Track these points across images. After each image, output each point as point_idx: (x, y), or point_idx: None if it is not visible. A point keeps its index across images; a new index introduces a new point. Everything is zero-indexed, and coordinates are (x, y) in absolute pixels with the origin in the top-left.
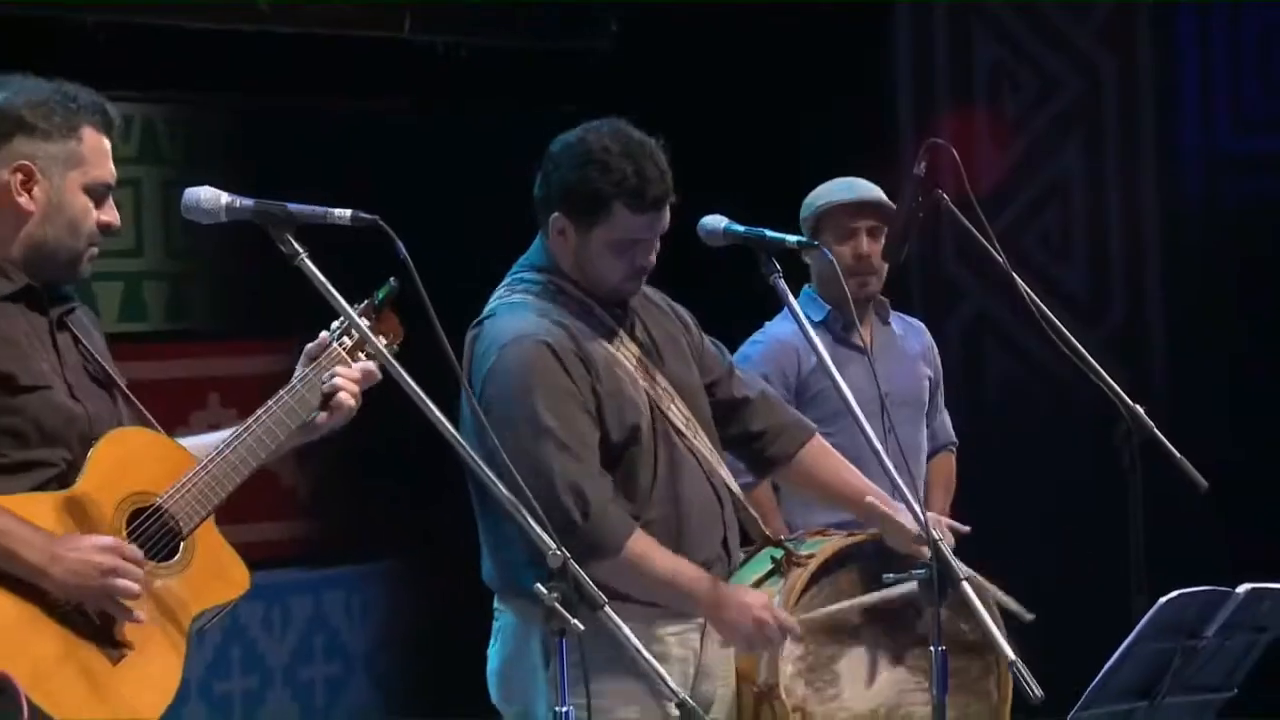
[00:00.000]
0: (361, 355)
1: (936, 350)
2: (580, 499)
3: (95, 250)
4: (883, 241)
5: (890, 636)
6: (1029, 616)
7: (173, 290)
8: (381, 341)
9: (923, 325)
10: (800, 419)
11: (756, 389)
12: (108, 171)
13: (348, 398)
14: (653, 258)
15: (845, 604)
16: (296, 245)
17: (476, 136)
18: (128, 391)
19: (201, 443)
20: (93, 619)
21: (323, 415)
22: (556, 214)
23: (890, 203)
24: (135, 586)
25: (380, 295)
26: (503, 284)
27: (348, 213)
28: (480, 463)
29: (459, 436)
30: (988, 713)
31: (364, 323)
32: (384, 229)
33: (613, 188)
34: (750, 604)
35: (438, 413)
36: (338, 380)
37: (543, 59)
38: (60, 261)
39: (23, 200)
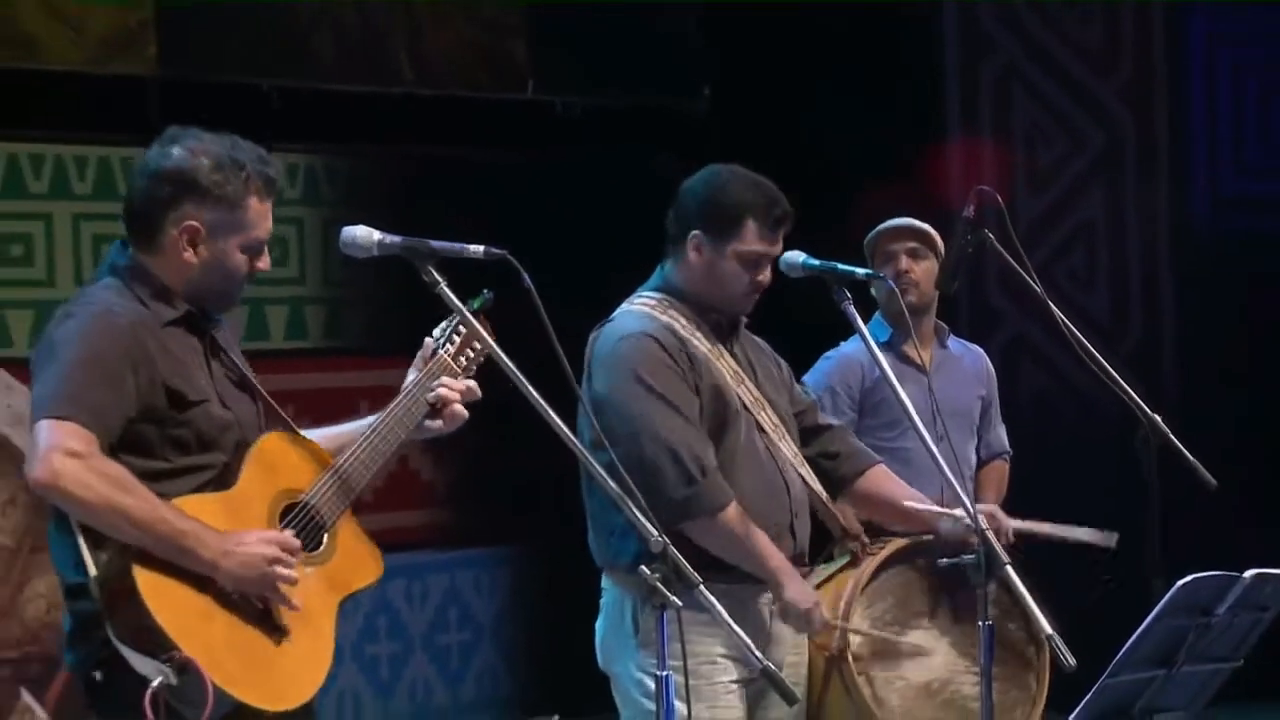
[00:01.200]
0: (464, 358)
1: (993, 372)
2: (697, 460)
3: (243, 290)
4: (923, 262)
5: (948, 623)
6: (1113, 540)
7: (330, 313)
8: (474, 349)
9: (981, 350)
10: (867, 449)
11: (836, 421)
12: (264, 230)
13: (460, 409)
14: (768, 276)
15: (882, 634)
16: (437, 275)
17: (588, 183)
18: (263, 392)
19: (327, 434)
20: (256, 606)
21: (436, 423)
22: (695, 232)
23: (923, 226)
24: (294, 574)
25: (476, 304)
26: (627, 300)
27: (481, 248)
28: (588, 455)
29: (566, 429)
30: (1026, 700)
31: (450, 348)
32: (512, 262)
33: (746, 206)
34: (811, 594)
35: (550, 411)
36: (443, 392)
37: (645, 116)
38: (213, 302)
39: (187, 255)
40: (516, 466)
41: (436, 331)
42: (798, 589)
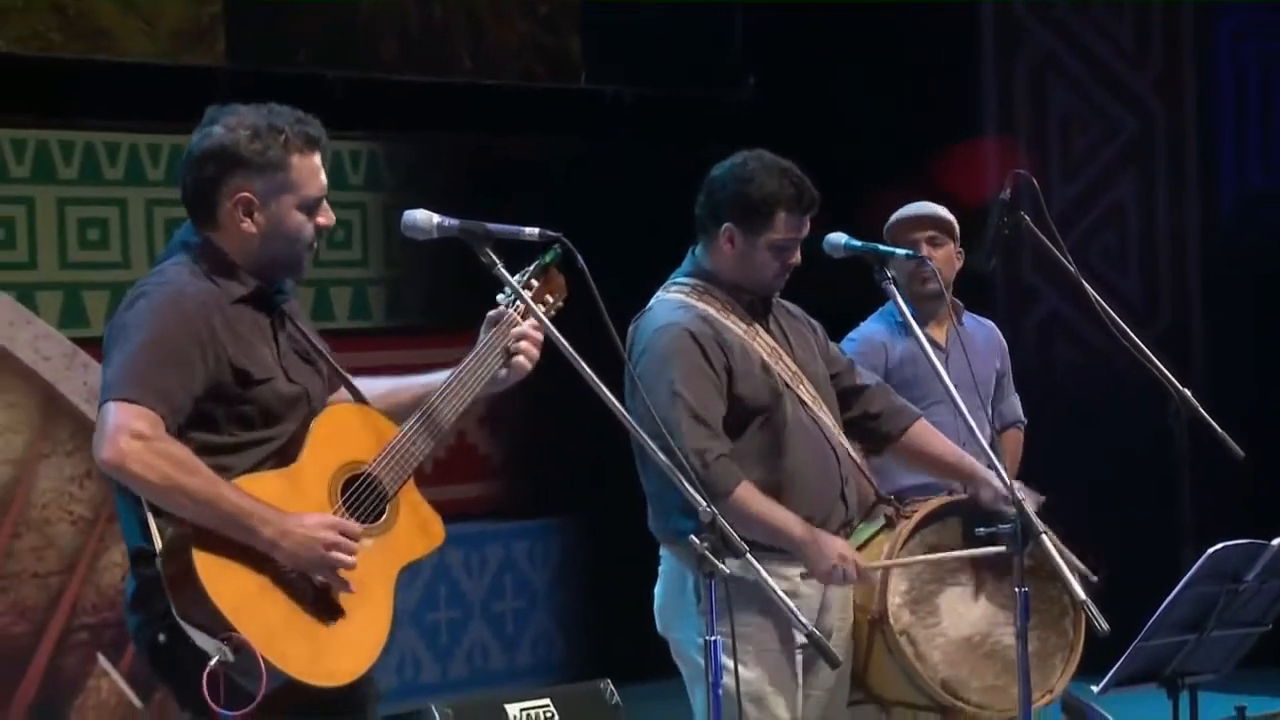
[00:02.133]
0: (541, 306)
1: (1005, 344)
2: (700, 455)
3: (312, 251)
4: (941, 249)
5: (983, 577)
6: (1094, 578)
7: (391, 293)
8: (549, 299)
9: (993, 325)
10: (908, 405)
11: (874, 379)
12: (316, 187)
13: (524, 360)
14: (798, 258)
15: (924, 558)
16: (493, 256)
17: (637, 169)
18: (333, 362)
19: (402, 384)
20: (314, 583)
21: (503, 372)
22: (727, 224)
23: (941, 213)
24: (351, 559)
25: (546, 259)
26: (661, 287)
27: (535, 231)
28: (641, 431)
29: (619, 405)
30: (1064, 646)
31: (528, 293)
32: (566, 244)
33: (776, 198)
34: (834, 545)
35: (603, 385)
36: (523, 344)
37: (692, 105)
38: (283, 268)
39: (245, 225)
40: (569, 441)
41: (507, 289)
42: (820, 549)
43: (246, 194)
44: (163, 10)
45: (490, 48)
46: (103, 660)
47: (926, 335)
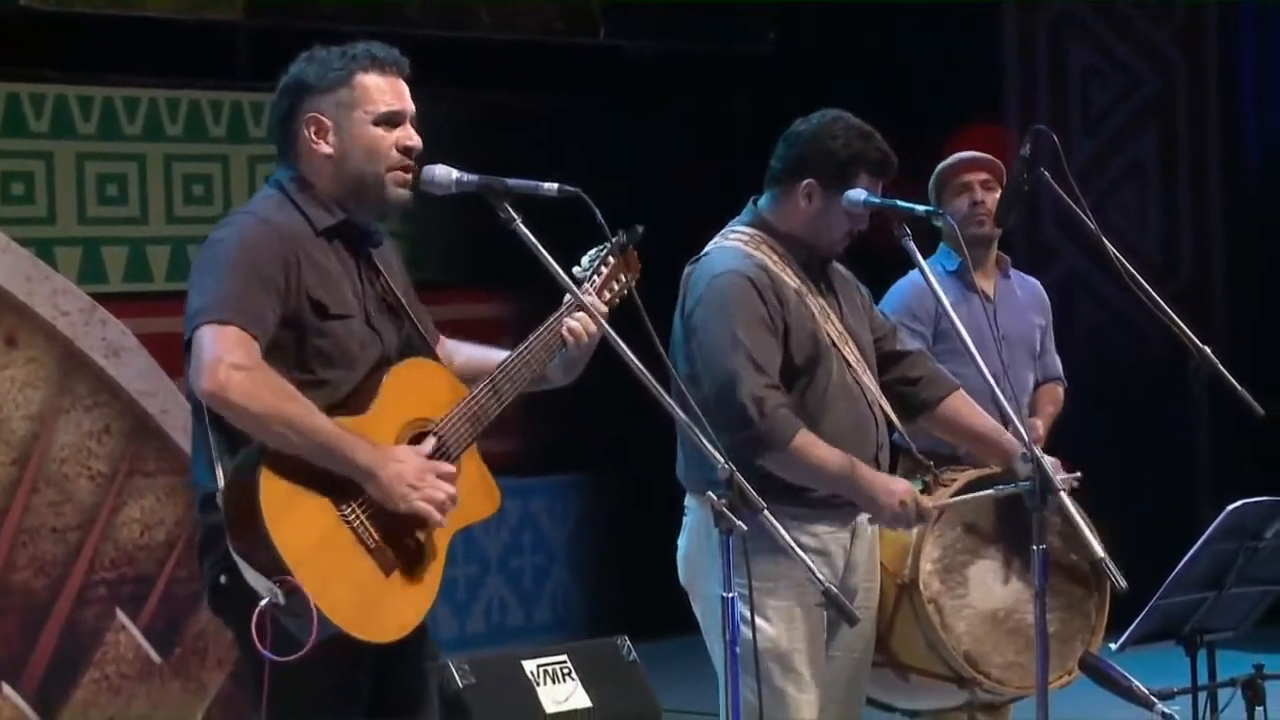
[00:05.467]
0: (608, 291)
1: (1048, 303)
2: (759, 403)
3: (401, 174)
4: (993, 193)
5: (1015, 554)
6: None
7: (411, 249)
8: (622, 279)
9: (1037, 282)
10: (947, 374)
11: (914, 346)
12: (386, 103)
13: (575, 348)
14: (865, 224)
15: (971, 497)
16: (512, 212)
17: (656, 124)
18: (415, 320)
19: (476, 355)
20: (374, 536)
21: (557, 361)
22: (809, 180)
23: (994, 159)
24: (442, 495)
25: (624, 238)
26: (718, 235)
27: (554, 186)
28: (660, 390)
29: (639, 363)
30: (1085, 629)
31: (604, 270)
32: (584, 199)
33: (861, 160)
34: (895, 489)
35: (624, 345)
36: (575, 326)
37: (713, 62)
38: (368, 189)
39: (320, 147)
40: (589, 398)
41: (585, 260)
42: (884, 489)
43: (315, 114)
44: None
45: (509, 3)
46: (121, 615)
47: (970, 285)
